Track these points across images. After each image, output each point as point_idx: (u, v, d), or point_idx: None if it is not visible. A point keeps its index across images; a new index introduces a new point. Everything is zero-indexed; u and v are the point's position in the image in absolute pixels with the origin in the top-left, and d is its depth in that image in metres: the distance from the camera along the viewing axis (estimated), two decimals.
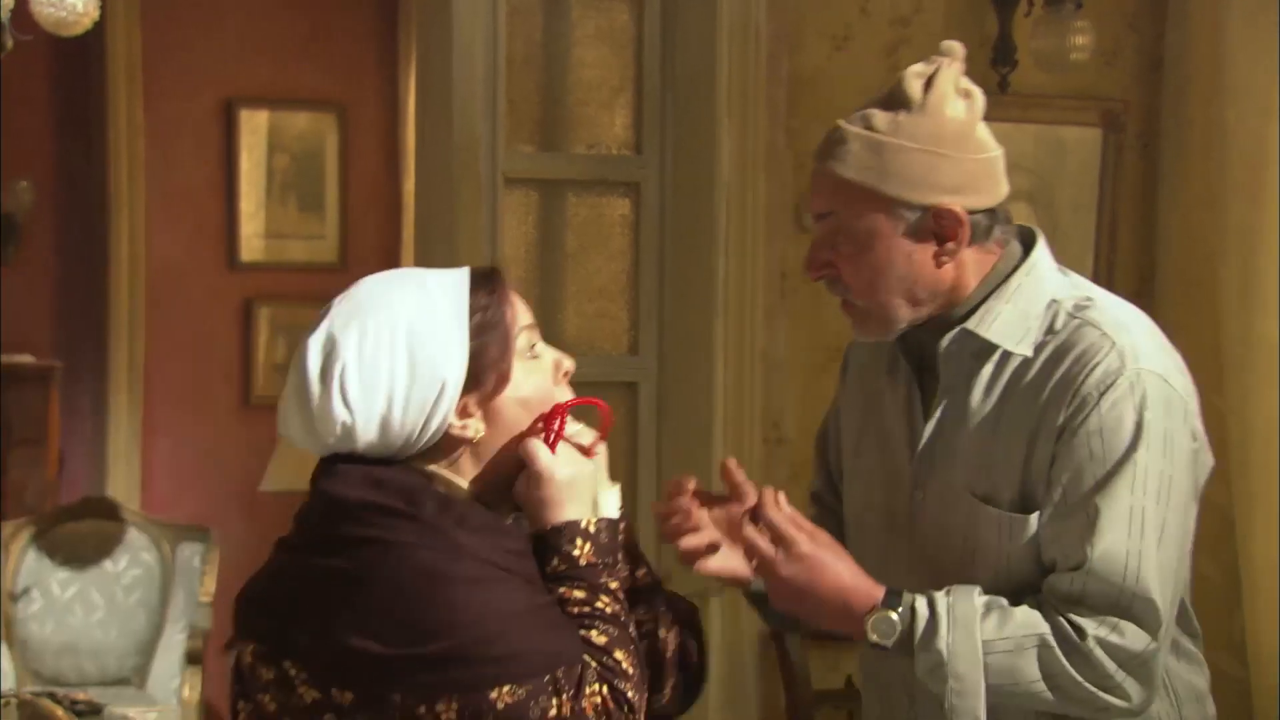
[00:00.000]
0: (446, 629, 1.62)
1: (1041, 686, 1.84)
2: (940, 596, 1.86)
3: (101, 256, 5.80)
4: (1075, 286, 1.97)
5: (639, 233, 4.07)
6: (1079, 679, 1.83)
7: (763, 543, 1.87)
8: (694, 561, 1.94)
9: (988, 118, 1.97)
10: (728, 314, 3.94)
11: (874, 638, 1.85)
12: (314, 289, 6.03)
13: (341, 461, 1.73)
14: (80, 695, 4.34)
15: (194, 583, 5.17)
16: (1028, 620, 1.84)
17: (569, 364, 1.80)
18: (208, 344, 6.00)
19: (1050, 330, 1.92)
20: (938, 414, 1.96)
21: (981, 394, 1.93)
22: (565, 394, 1.78)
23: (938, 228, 1.91)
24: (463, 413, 1.73)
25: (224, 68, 5.94)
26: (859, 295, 1.95)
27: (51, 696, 4.05)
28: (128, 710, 4.72)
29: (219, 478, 5.92)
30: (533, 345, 1.78)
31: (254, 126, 6.02)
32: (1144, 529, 1.84)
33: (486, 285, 1.76)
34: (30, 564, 5.10)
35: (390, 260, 5.87)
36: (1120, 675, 1.83)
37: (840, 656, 4.05)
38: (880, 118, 1.94)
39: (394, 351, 1.70)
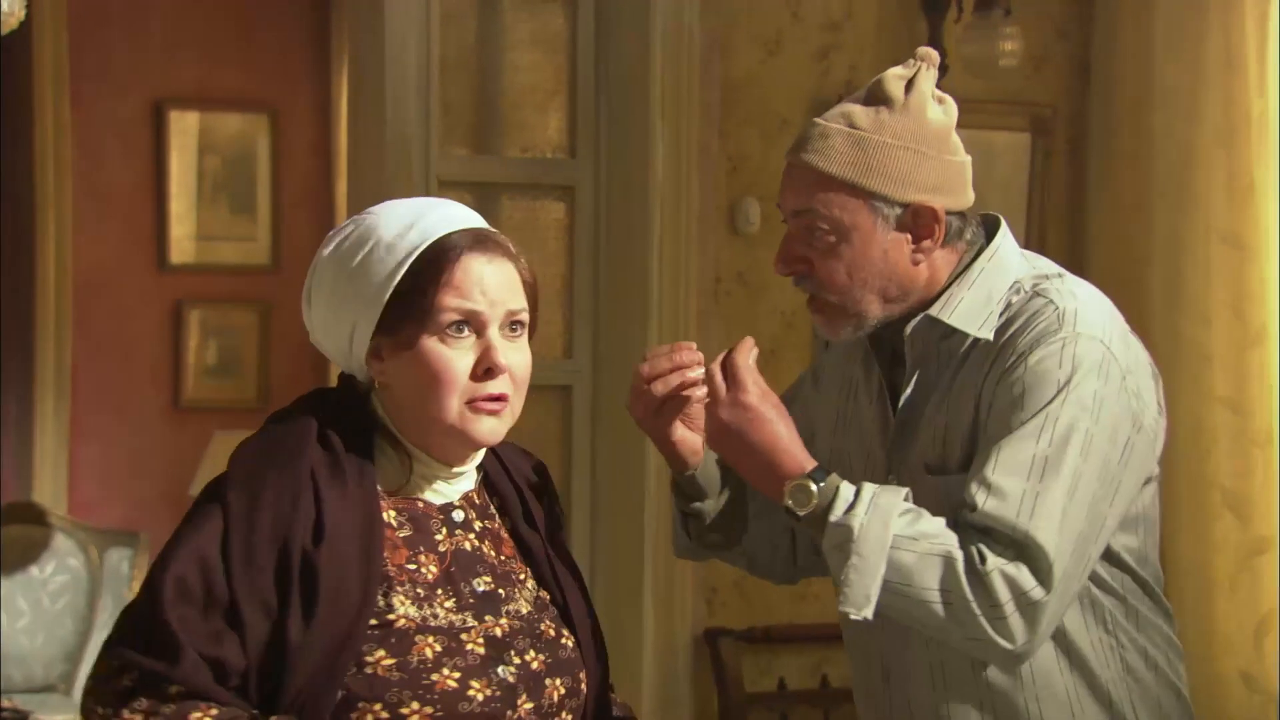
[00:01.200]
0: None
1: (934, 597, 1.85)
2: (869, 485, 1.88)
3: (28, 259, 5.72)
4: (1037, 267, 2.02)
5: (573, 236, 4.07)
6: (970, 602, 1.84)
7: (719, 378, 1.92)
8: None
9: None
10: (662, 317, 3.94)
11: (788, 503, 1.89)
12: (245, 291, 6.00)
13: (344, 385, 1.80)
14: (5, 703, 4.28)
15: (122, 588, 5.11)
16: (941, 532, 1.86)
17: (499, 364, 1.75)
18: (137, 347, 5.94)
19: (1008, 308, 1.97)
20: (904, 400, 2.00)
21: (940, 374, 1.98)
22: (479, 388, 1.74)
23: (915, 225, 1.95)
24: (375, 353, 1.75)
25: (153, 69, 5.88)
26: (832, 291, 1.97)
27: None
28: (54, 717, 4.66)
29: (148, 482, 5.86)
30: (461, 329, 1.73)
31: (184, 128, 5.96)
32: (1045, 476, 1.86)
33: (457, 246, 1.74)
34: None
35: None
36: (1010, 609, 1.84)
37: (774, 659, 4.07)
38: (862, 115, 1.95)
39: (346, 266, 1.74)
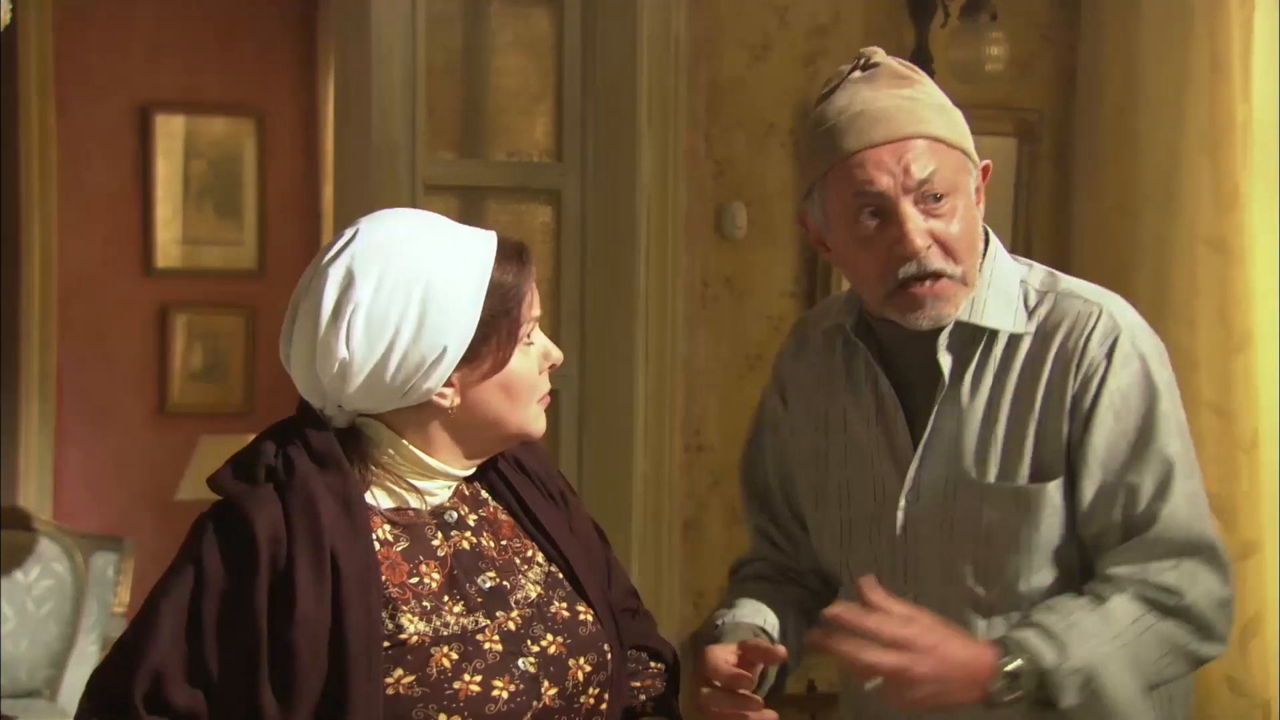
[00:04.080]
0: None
1: (1165, 663, 1.87)
2: (1043, 616, 1.84)
3: (13, 263, 5.71)
4: (1034, 267, 2.04)
5: (560, 240, 4.07)
6: (1189, 637, 1.87)
7: (889, 656, 1.77)
8: None
9: None
10: (649, 322, 3.94)
11: (1007, 698, 1.81)
12: (231, 296, 5.98)
13: (307, 417, 1.75)
14: None
15: (107, 593, 5.10)
16: (1124, 609, 1.86)
17: (556, 356, 1.81)
18: (122, 351, 5.93)
19: (1038, 308, 1.97)
20: (935, 411, 1.97)
21: (976, 380, 1.96)
22: (545, 384, 1.80)
23: (979, 185, 1.98)
24: (448, 383, 1.74)
25: (139, 73, 5.87)
26: (961, 259, 1.94)
27: None
28: None
29: (133, 487, 5.85)
30: (530, 332, 1.78)
31: (170, 132, 5.95)
32: (1190, 475, 1.90)
33: (514, 264, 1.76)
34: None
35: None
36: (1216, 618, 1.89)
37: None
38: (917, 84, 1.96)
39: (407, 305, 1.69)
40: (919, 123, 1.92)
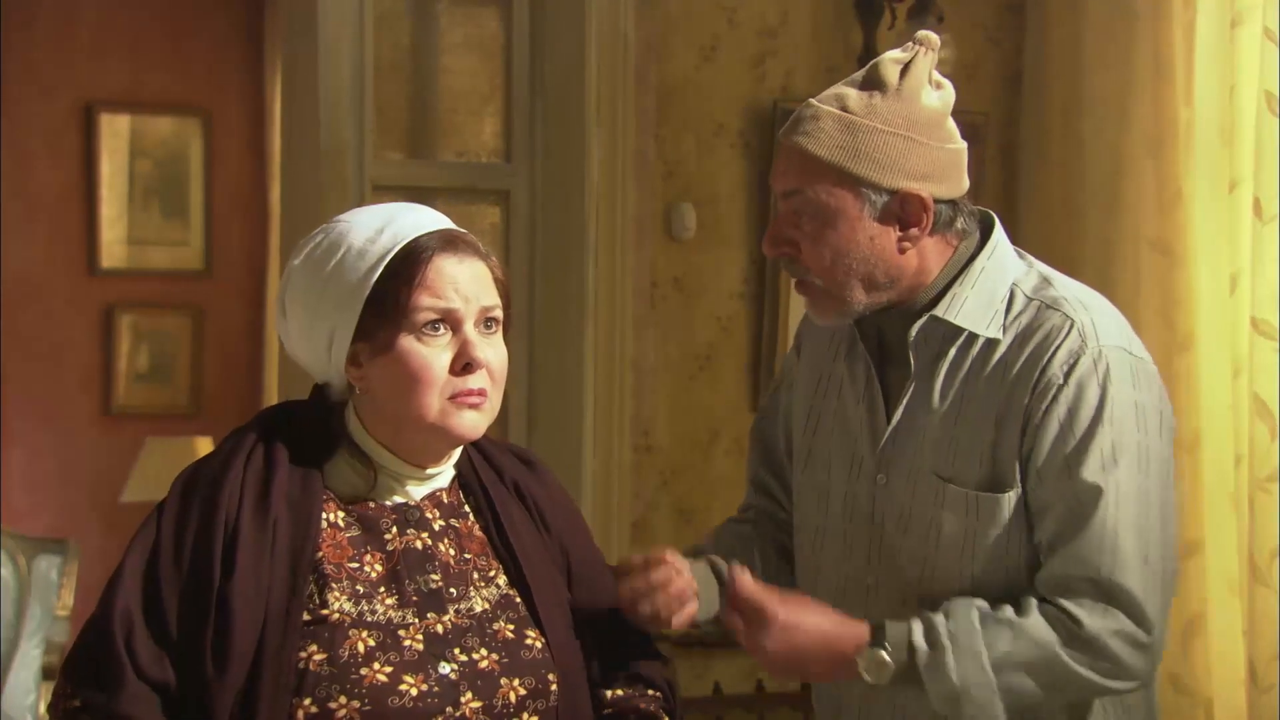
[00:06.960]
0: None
1: (1052, 692, 1.86)
2: (939, 622, 1.85)
3: None
4: (1032, 269, 2.02)
5: (509, 241, 4.07)
6: (1083, 672, 1.85)
7: (739, 622, 1.88)
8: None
9: None
10: (597, 322, 3.94)
11: (868, 678, 1.86)
12: (177, 296, 5.94)
13: (314, 396, 1.82)
14: None
15: (51, 596, 5.05)
16: (1025, 629, 1.85)
17: (477, 359, 1.77)
18: (66, 352, 5.87)
19: (1012, 313, 1.96)
20: (905, 400, 1.97)
21: (948, 378, 1.96)
22: (462, 383, 1.77)
23: (903, 213, 1.93)
24: (353, 360, 1.77)
25: (83, 71, 5.82)
26: (818, 274, 1.95)
27: None
28: None
29: (77, 489, 5.80)
30: (437, 327, 1.76)
31: (115, 131, 5.90)
32: (1119, 504, 1.86)
33: (428, 247, 1.77)
34: None
35: (257, 268, 5.79)
36: (1125, 656, 1.86)
37: (709, 664, 4.07)
38: (855, 98, 1.93)
39: (320, 275, 1.76)
40: (809, 135, 1.92)
